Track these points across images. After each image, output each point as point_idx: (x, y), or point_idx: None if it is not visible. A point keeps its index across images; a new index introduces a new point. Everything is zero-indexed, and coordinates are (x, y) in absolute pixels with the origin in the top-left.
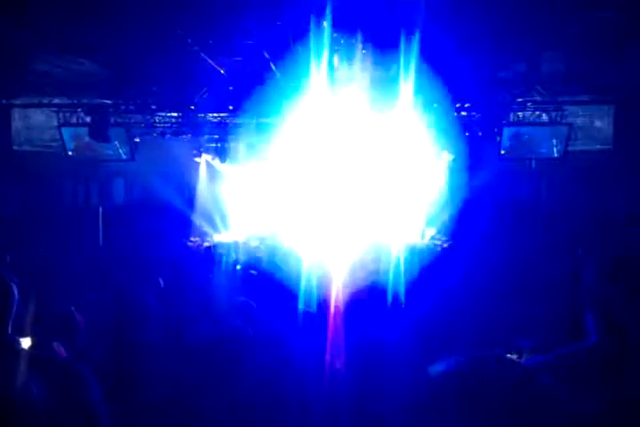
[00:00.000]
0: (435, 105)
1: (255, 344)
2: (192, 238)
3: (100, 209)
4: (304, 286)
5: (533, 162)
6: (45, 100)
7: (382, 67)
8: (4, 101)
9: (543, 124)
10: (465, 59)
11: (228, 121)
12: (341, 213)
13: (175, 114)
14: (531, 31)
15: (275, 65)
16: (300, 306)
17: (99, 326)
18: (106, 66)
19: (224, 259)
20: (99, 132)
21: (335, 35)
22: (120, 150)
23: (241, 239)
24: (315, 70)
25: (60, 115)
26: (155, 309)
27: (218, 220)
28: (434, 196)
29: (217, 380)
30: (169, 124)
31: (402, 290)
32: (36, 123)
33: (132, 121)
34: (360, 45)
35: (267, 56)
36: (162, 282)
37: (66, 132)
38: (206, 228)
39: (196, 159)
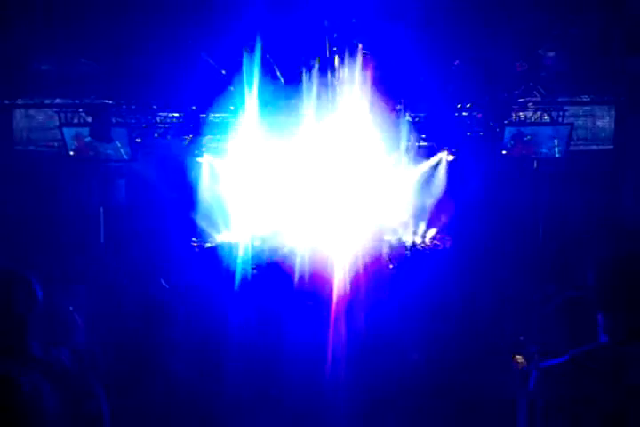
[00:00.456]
0: (436, 105)
1: (258, 340)
2: (194, 239)
3: (102, 209)
4: (306, 282)
5: (535, 162)
6: (47, 101)
7: (380, 65)
8: (6, 102)
9: (544, 124)
10: (465, 58)
11: (229, 120)
12: (342, 211)
13: (177, 114)
14: (532, 31)
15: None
16: (302, 300)
17: (99, 327)
18: (107, 66)
19: (226, 259)
20: (100, 132)
21: (335, 35)
22: (121, 150)
23: (243, 239)
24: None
25: (62, 115)
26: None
27: (220, 220)
28: (435, 196)
29: (219, 375)
30: (170, 124)
31: (402, 290)
32: (38, 123)
33: (134, 121)
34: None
35: (267, 56)
36: (163, 282)
37: (67, 132)
38: (208, 228)
39: (198, 159)
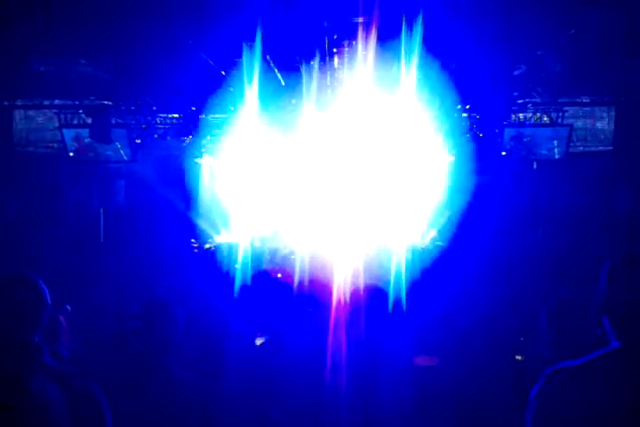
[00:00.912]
0: (436, 106)
1: (255, 346)
2: (193, 240)
3: (102, 210)
4: (306, 285)
5: (534, 163)
6: (47, 102)
7: (384, 66)
8: (5, 103)
9: (544, 125)
10: (465, 60)
11: (229, 121)
12: (343, 213)
13: (176, 115)
14: (531, 32)
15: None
16: (302, 306)
17: (97, 327)
18: (107, 67)
19: (225, 260)
20: (100, 133)
21: (336, 36)
22: (121, 151)
23: (243, 240)
24: (315, 70)
25: (62, 116)
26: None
27: (219, 221)
28: (435, 197)
29: (218, 379)
30: (170, 125)
31: (403, 291)
32: (38, 124)
33: (134, 122)
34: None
35: (267, 58)
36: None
37: (67, 133)
38: (208, 229)
39: (198, 160)
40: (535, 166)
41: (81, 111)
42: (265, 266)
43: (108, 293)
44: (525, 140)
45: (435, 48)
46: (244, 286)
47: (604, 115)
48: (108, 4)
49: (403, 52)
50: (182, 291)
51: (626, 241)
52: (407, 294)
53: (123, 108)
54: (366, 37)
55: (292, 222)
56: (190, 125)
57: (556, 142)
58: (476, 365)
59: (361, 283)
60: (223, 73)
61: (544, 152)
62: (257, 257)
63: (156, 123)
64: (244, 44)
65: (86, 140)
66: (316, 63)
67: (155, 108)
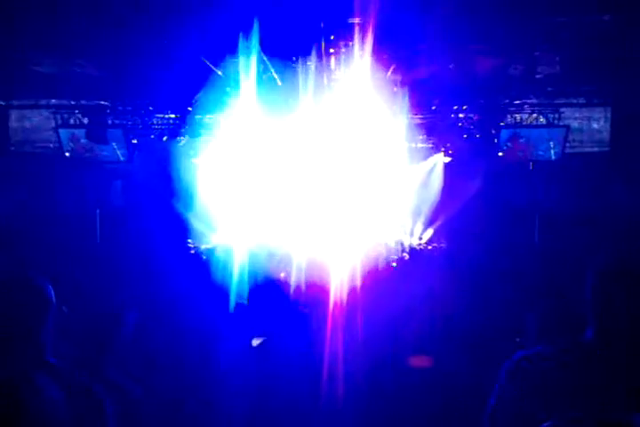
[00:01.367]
0: (433, 107)
1: (250, 349)
2: (190, 241)
3: (98, 211)
4: (300, 287)
5: (531, 164)
6: (43, 102)
7: (377, 68)
8: (1, 102)
9: (540, 126)
10: (463, 61)
11: (226, 122)
12: (338, 214)
13: (173, 115)
14: (527, 33)
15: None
16: (295, 307)
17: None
18: (103, 67)
19: (221, 261)
20: (96, 133)
21: (333, 37)
22: (118, 152)
23: (238, 242)
24: (308, 73)
25: (58, 116)
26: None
27: (216, 222)
28: (431, 198)
29: (210, 387)
30: (166, 126)
31: (401, 294)
32: (34, 124)
33: (130, 122)
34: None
35: (264, 57)
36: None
37: (63, 133)
38: (204, 230)
39: (194, 160)
40: (531, 167)
41: (77, 111)
42: (260, 267)
43: (104, 293)
44: (522, 140)
45: (431, 48)
46: (239, 288)
47: (601, 116)
48: (105, 4)
49: (397, 52)
50: (176, 291)
51: (623, 242)
52: (403, 294)
53: (119, 108)
54: (362, 38)
55: (288, 224)
56: (187, 126)
57: (552, 143)
58: (471, 364)
59: (357, 281)
60: (220, 73)
61: (540, 153)
62: (252, 259)
63: (153, 123)
64: (240, 44)
65: (82, 141)
66: (312, 63)
67: (151, 108)
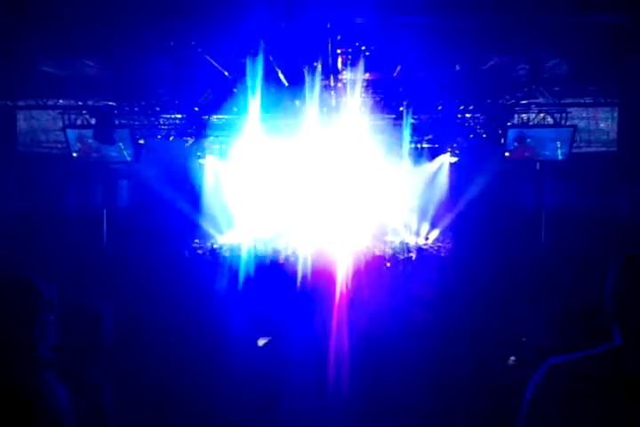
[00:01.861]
0: (439, 107)
1: (256, 344)
2: (196, 240)
3: (105, 210)
4: (308, 284)
5: (537, 164)
6: (50, 102)
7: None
8: (9, 103)
9: (547, 126)
10: (468, 62)
11: (232, 122)
12: (345, 213)
13: (179, 115)
14: (534, 33)
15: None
16: (304, 302)
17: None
18: (110, 68)
19: (228, 260)
20: (103, 133)
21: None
22: (124, 152)
23: (245, 241)
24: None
25: (65, 116)
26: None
27: (222, 221)
28: (437, 198)
29: (215, 380)
30: (173, 126)
31: (406, 292)
32: (41, 124)
33: (137, 123)
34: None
35: (271, 58)
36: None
37: (70, 133)
38: (211, 229)
39: (201, 161)
40: (538, 167)
41: (84, 112)
42: (267, 265)
43: (110, 293)
44: (528, 140)
45: (438, 51)
46: (246, 283)
47: (608, 116)
48: (111, 5)
49: (403, 53)
50: (185, 289)
51: (629, 241)
52: (408, 292)
53: (126, 108)
54: (368, 41)
55: (295, 223)
56: (193, 126)
57: (559, 143)
58: (479, 362)
59: (363, 279)
60: (227, 73)
61: (547, 153)
62: (260, 257)
63: (160, 123)
64: (248, 47)
65: (90, 141)
66: (319, 65)
67: (158, 108)
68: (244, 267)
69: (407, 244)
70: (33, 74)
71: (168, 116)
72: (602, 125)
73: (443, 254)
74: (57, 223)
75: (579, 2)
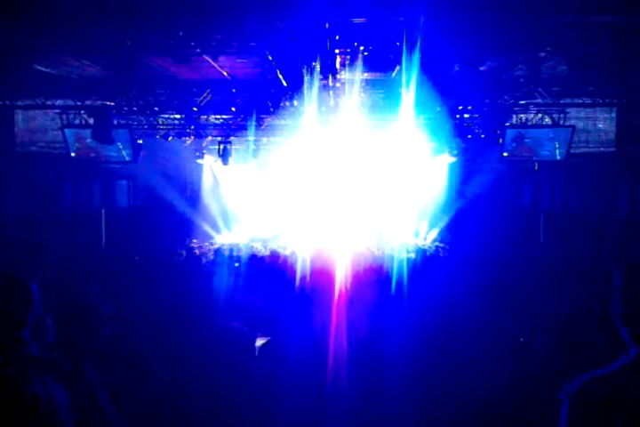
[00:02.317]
0: (437, 108)
1: (254, 345)
2: (194, 240)
3: (103, 211)
4: (307, 284)
5: (536, 164)
6: (48, 102)
7: (382, 70)
8: (7, 102)
9: (546, 126)
10: (467, 62)
11: (230, 122)
12: (344, 214)
13: (178, 115)
14: (532, 34)
15: (279, 69)
16: (303, 302)
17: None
18: (109, 67)
19: (226, 260)
20: (101, 133)
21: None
22: (123, 152)
23: (243, 241)
24: (314, 79)
25: (63, 116)
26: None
27: (221, 221)
28: (436, 198)
29: (213, 382)
30: (172, 126)
31: (405, 291)
32: (39, 124)
33: (135, 123)
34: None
35: (270, 58)
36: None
37: (69, 133)
38: (209, 230)
39: (199, 161)
40: (537, 167)
41: (83, 112)
42: (266, 265)
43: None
44: (527, 141)
45: (437, 51)
46: (243, 285)
47: (606, 116)
48: (108, 4)
49: (404, 54)
50: (184, 290)
51: (629, 243)
52: (408, 293)
53: (125, 108)
54: (367, 40)
55: (294, 223)
56: (192, 126)
57: (557, 143)
58: (479, 364)
59: (362, 281)
60: (225, 74)
61: (546, 153)
62: (258, 257)
63: (158, 123)
64: (247, 44)
65: (88, 141)
66: (317, 65)
67: (156, 108)
68: (242, 267)
69: (406, 244)
70: (31, 74)
71: (167, 115)
72: (600, 126)
73: (441, 255)
74: (55, 223)
75: (579, 2)
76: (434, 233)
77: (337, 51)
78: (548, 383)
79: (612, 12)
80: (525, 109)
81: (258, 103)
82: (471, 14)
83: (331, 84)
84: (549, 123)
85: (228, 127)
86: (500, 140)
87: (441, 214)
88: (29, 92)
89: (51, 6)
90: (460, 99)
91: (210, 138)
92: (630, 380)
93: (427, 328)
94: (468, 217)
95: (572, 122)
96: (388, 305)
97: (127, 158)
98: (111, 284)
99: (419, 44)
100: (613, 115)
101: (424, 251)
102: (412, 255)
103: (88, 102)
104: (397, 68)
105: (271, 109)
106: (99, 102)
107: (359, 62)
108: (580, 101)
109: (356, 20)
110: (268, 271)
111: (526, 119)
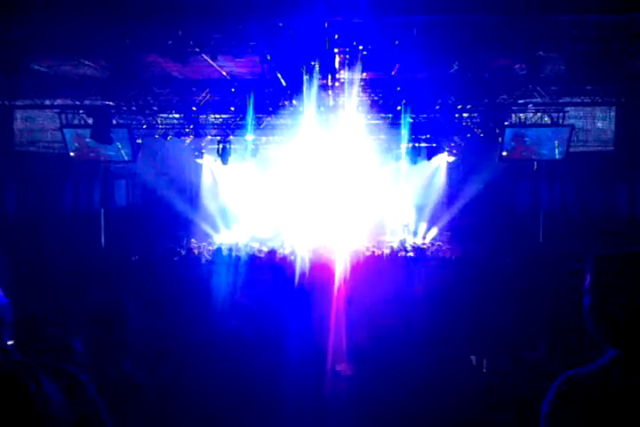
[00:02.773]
0: (437, 107)
1: (253, 344)
2: (193, 240)
3: (102, 210)
4: (306, 282)
5: (535, 163)
6: (48, 102)
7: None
8: (6, 102)
9: (545, 125)
10: (466, 61)
11: (229, 122)
12: (343, 213)
13: (177, 115)
14: (532, 33)
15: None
16: (303, 300)
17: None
18: (108, 67)
19: (225, 260)
20: (100, 133)
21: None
22: (122, 151)
23: (242, 240)
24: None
25: (63, 116)
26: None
27: (220, 221)
28: (434, 197)
29: (213, 381)
30: (171, 126)
31: (403, 288)
32: (38, 124)
33: (134, 122)
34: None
35: (269, 58)
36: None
37: (68, 133)
38: (208, 229)
39: (198, 160)
40: (536, 166)
41: (82, 111)
42: (266, 264)
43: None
44: (526, 140)
45: (435, 51)
46: (243, 284)
47: (605, 115)
48: (106, 4)
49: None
50: (185, 287)
51: (626, 241)
52: (409, 292)
53: (124, 108)
54: (366, 41)
55: (293, 222)
56: (191, 126)
57: (556, 142)
58: (478, 362)
59: (361, 279)
60: (224, 74)
61: (545, 152)
62: (257, 256)
63: (157, 123)
64: (246, 44)
65: (87, 141)
66: (317, 64)
67: (155, 108)
68: (242, 265)
69: (405, 243)
70: (30, 73)
71: (166, 115)
72: (599, 125)
73: (440, 254)
74: (54, 223)
75: (579, 2)
76: (433, 232)
77: (336, 50)
78: (544, 384)
79: (610, 11)
80: (524, 109)
81: (257, 103)
82: (471, 14)
83: (330, 83)
84: (548, 122)
85: (227, 127)
86: (500, 140)
87: (440, 213)
88: (28, 91)
89: (50, 6)
90: (460, 98)
91: (209, 137)
92: (607, 382)
93: (423, 325)
94: (467, 216)
95: (571, 121)
96: (386, 303)
97: (126, 158)
98: (110, 282)
99: (416, 43)
100: (612, 114)
101: (423, 249)
102: (411, 254)
103: (87, 102)
104: (396, 67)
105: (270, 109)
106: (98, 102)
107: (358, 62)
108: (579, 100)
109: (356, 20)
110: (267, 270)
111: (525, 118)
